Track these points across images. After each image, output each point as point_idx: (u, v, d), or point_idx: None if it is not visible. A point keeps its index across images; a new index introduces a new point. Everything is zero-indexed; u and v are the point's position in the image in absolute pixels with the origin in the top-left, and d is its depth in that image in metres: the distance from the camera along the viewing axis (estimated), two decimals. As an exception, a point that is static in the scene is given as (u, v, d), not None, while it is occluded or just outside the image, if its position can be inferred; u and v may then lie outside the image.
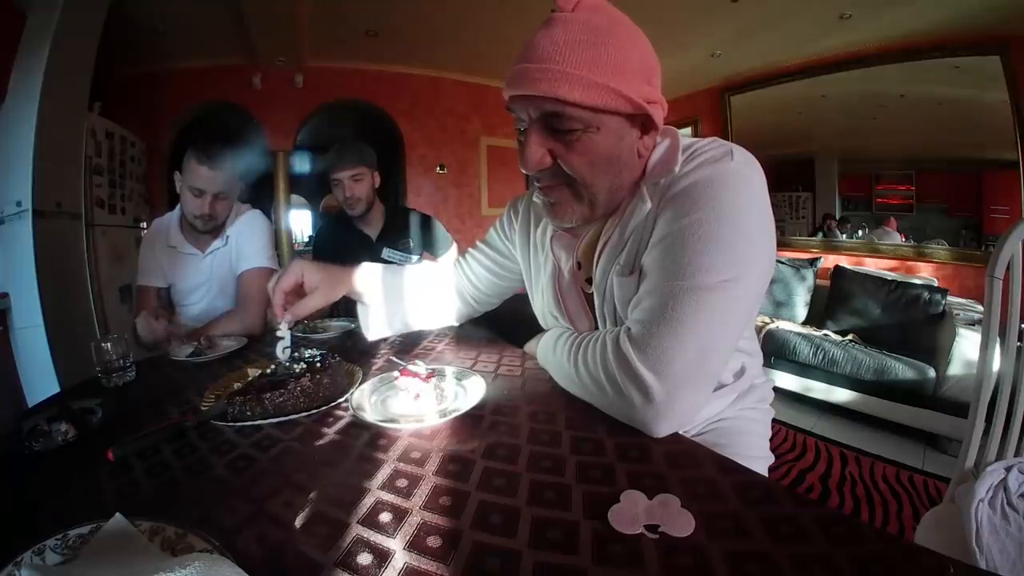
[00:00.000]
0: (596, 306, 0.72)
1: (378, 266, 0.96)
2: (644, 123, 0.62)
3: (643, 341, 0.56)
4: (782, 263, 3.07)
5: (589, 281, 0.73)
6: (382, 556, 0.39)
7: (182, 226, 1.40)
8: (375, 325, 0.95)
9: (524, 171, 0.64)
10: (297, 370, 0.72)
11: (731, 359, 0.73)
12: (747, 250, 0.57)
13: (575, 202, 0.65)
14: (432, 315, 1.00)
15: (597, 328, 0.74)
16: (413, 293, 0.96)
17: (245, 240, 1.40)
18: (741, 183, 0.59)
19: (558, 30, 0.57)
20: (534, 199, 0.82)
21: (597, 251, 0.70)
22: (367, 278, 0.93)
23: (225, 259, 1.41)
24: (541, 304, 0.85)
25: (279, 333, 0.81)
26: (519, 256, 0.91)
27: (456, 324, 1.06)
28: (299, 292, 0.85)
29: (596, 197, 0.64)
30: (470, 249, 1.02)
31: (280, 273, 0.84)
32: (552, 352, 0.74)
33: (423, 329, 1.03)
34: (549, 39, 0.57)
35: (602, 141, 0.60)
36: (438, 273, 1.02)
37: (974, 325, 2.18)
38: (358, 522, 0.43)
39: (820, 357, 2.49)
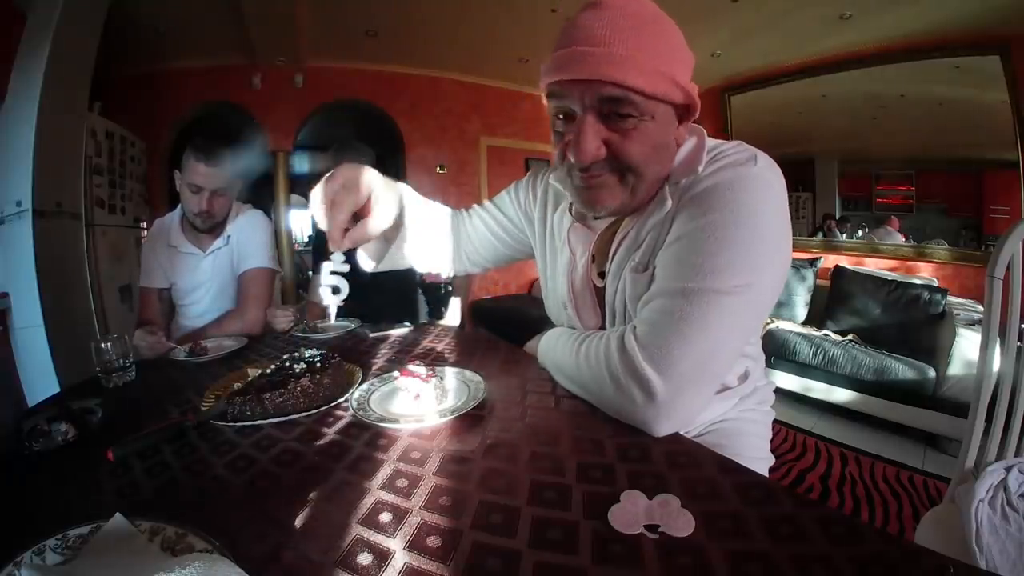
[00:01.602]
0: (607, 301, 0.71)
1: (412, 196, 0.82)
2: (681, 115, 0.61)
3: (649, 340, 0.56)
4: (783, 263, 3.07)
5: (602, 275, 0.73)
6: (382, 556, 0.39)
7: (183, 225, 1.40)
8: (379, 258, 0.83)
9: (577, 162, 0.59)
10: (297, 370, 0.72)
11: (737, 363, 0.73)
12: (762, 257, 0.56)
13: (619, 188, 0.62)
14: (432, 262, 0.91)
15: (604, 323, 0.73)
16: (428, 235, 0.86)
17: (246, 239, 1.40)
18: (762, 188, 0.58)
19: (611, 13, 0.55)
20: (551, 181, 0.79)
21: (614, 246, 0.69)
22: (409, 206, 0.79)
23: (226, 259, 1.41)
24: (552, 293, 0.83)
25: (333, 267, 0.65)
26: (536, 236, 0.87)
27: (446, 276, 0.98)
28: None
29: (639, 187, 0.62)
30: (475, 207, 0.95)
31: (338, 183, 0.63)
32: (553, 350, 0.74)
33: (421, 269, 0.92)
34: (603, 22, 0.55)
35: (655, 130, 0.59)
36: (442, 218, 0.92)
37: (974, 325, 2.18)
38: (358, 522, 0.43)
39: (820, 357, 2.49)
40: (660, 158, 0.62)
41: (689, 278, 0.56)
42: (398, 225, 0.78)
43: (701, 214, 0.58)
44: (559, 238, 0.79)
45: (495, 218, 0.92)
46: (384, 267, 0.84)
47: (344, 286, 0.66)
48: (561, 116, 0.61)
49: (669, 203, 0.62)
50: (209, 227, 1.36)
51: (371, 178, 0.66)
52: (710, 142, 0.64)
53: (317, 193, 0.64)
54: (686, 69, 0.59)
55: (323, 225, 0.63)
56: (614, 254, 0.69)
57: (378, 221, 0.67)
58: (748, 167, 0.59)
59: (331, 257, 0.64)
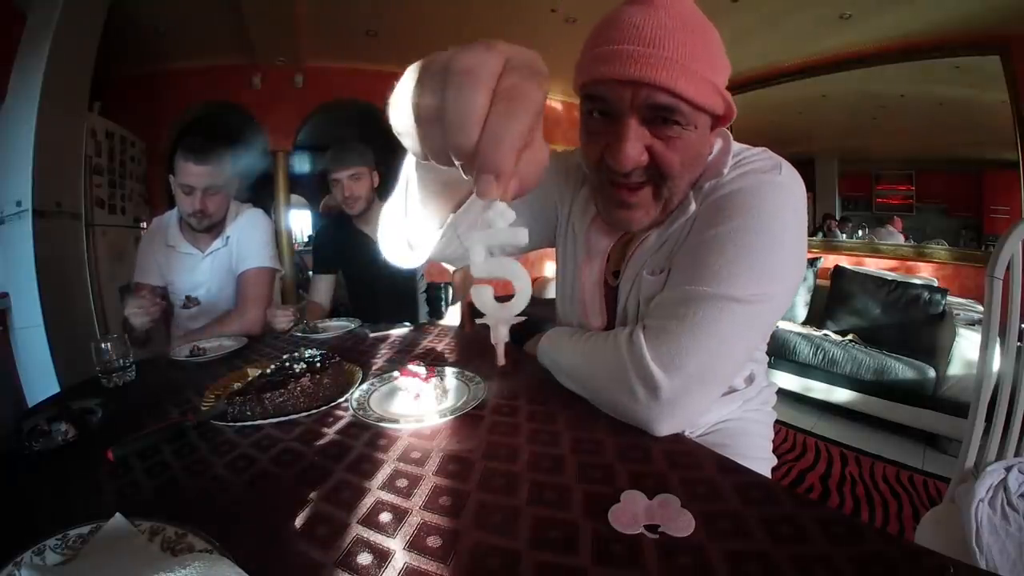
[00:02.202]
0: (619, 302, 0.70)
1: None
2: (714, 123, 0.60)
3: (659, 339, 0.56)
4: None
5: (615, 274, 0.71)
6: (382, 556, 0.39)
7: (181, 226, 1.40)
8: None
9: (616, 167, 0.56)
10: (297, 370, 0.72)
11: (744, 367, 0.73)
12: (779, 266, 0.56)
13: (653, 205, 0.60)
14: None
15: (610, 324, 0.73)
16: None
17: (246, 239, 1.40)
18: (784, 198, 0.58)
19: (661, 13, 0.53)
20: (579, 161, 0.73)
21: (634, 247, 0.68)
22: None
23: (225, 259, 1.40)
24: (561, 283, 0.81)
25: (491, 240, 0.29)
26: (560, 221, 0.81)
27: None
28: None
29: (672, 198, 0.61)
30: None
31: (519, 72, 0.29)
32: (555, 348, 0.74)
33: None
34: (655, 22, 0.52)
35: (696, 140, 0.57)
36: None
37: (974, 325, 2.18)
38: (358, 522, 0.43)
39: (820, 357, 2.49)
40: (695, 168, 0.61)
41: (706, 282, 0.55)
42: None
43: (722, 220, 0.57)
44: (580, 230, 0.76)
45: (526, 202, 0.78)
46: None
47: (525, 279, 0.30)
48: (597, 114, 0.58)
49: (693, 207, 0.62)
50: (206, 227, 1.35)
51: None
52: (735, 146, 0.63)
53: (465, 76, 0.26)
54: (726, 76, 0.57)
55: (468, 137, 0.26)
56: (632, 255, 0.68)
57: (541, 153, 0.32)
58: (772, 175, 0.59)
59: (493, 206, 0.27)
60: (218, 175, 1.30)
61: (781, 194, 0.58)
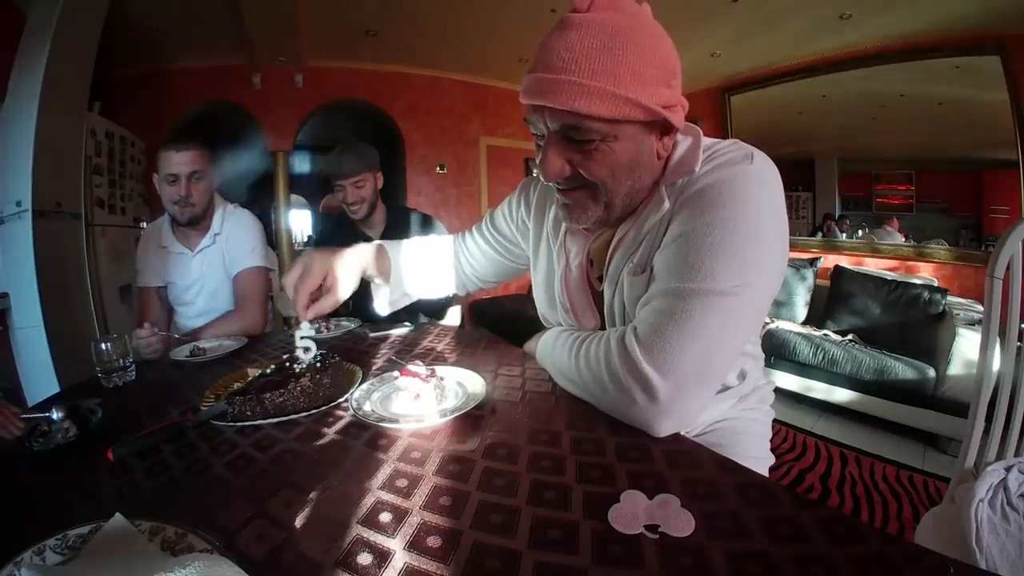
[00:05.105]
0: (605, 304, 0.71)
1: (380, 247, 0.94)
2: (663, 126, 0.60)
3: (650, 340, 0.56)
4: (782, 263, 3.07)
5: (600, 278, 0.73)
6: (382, 556, 0.39)
7: (172, 227, 1.43)
8: (389, 302, 0.96)
9: (544, 180, 0.63)
10: (297, 370, 0.72)
11: (736, 363, 0.73)
12: (760, 256, 0.56)
13: (592, 204, 0.64)
14: (434, 288, 1.01)
15: (603, 326, 0.73)
16: (418, 269, 0.96)
17: (237, 240, 1.42)
18: (759, 187, 0.58)
19: (573, 35, 0.55)
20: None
21: (611, 249, 0.69)
22: (374, 261, 0.92)
23: (217, 258, 1.42)
24: (545, 295, 0.83)
25: (302, 333, 0.77)
26: (531, 240, 0.88)
27: (461, 293, 1.08)
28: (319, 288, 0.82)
29: (614, 201, 0.63)
30: (473, 228, 1.00)
31: (298, 272, 0.79)
32: (552, 351, 0.74)
33: (425, 297, 1.02)
34: (564, 45, 0.55)
35: (621, 149, 0.59)
36: (439, 248, 1.02)
37: (974, 325, 2.18)
38: (358, 522, 0.43)
39: (820, 357, 2.49)
40: (633, 173, 0.62)
41: (688, 278, 0.56)
42: (386, 275, 0.93)
43: (698, 214, 0.57)
44: (555, 242, 0.79)
45: (492, 236, 0.96)
46: (394, 308, 0.97)
47: (313, 347, 0.78)
48: (537, 134, 0.63)
49: (667, 204, 0.62)
50: (190, 219, 1.35)
51: (325, 262, 0.81)
52: (706, 141, 0.63)
53: (285, 280, 0.79)
54: (660, 83, 0.57)
55: (292, 304, 0.78)
56: (611, 257, 0.69)
57: (335, 295, 0.81)
58: (744, 165, 0.59)
59: (301, 326, 0.77)
60: (200, 160, 1.33)
61: (755, 182, 0.58)
